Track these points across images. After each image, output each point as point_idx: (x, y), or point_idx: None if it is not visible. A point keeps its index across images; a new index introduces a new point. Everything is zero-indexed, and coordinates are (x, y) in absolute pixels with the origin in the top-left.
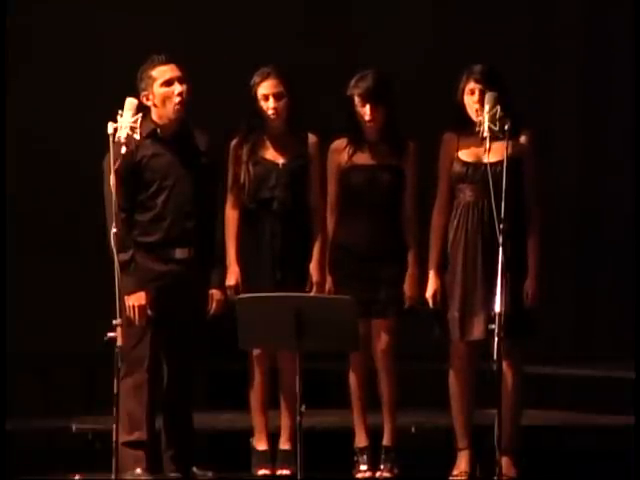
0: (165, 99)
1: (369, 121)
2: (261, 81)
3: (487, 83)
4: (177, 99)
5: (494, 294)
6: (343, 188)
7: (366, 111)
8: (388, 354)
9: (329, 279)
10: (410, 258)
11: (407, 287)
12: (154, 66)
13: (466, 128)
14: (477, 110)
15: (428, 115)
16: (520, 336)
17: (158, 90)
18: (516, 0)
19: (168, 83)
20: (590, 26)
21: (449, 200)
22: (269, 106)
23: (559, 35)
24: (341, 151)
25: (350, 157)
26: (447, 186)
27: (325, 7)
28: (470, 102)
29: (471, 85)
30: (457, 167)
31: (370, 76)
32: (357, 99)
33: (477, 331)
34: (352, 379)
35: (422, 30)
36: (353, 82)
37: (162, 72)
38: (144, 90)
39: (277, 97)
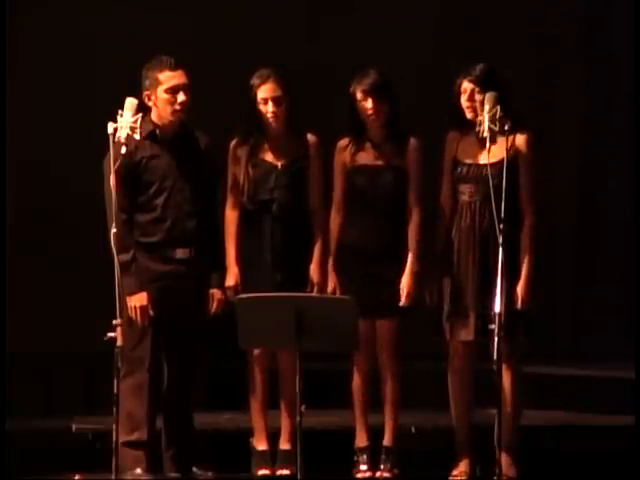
0: (167, 105)
1: (371, 115)
2: (260, 84)
3: (481, 83)
4: (178, 107)
5: (486, 295)
6: (347, 188)
7: (368, 106)
8: (392, 354)
9: (334, 279)
10: (410, 256)
11: (405, 284)
12: (161, 69)
13: (465, 128)
14: (467, 108)
15: (430, 116)
16: (515, 336)
17: (161, 94)
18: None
19: (173, 90)
20: (591, 25)
21: (452, 199)
22: (268, 110)
23: (560, 35)
24: (346, 149)
25: (353, 157)
26: (449, 186)
27: (326, 6)
28: (462, 101)
29: (464, 85)
30: (456, 168)
31: (372, 73)
32: (360, 95)
33: (467, 332)
34: (355, 379)
35: (424, 30)
36: (355, 79)
37: (169, 77)
38: (147, 90)
39: (276, 101)
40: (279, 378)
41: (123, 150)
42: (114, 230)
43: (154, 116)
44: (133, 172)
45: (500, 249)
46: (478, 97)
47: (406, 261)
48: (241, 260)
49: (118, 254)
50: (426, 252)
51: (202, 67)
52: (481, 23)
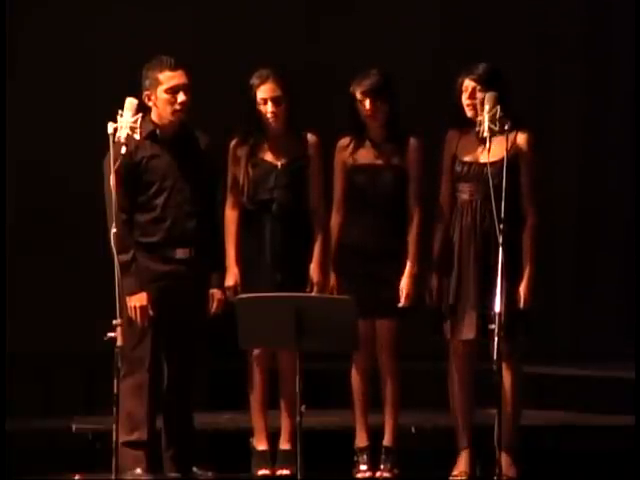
0: (167, 105)
1: (369, 116)
2: (260, 84)
3: (482, 82)
4: (178, 107)
5: (486, 294)
6: (347, 188)
7: (366, 105)
8: (392, 354)
9: (333, 278)
10: (409, 258)
11: (404, 286)
12: (162, 69)
13: (465, 127)
14: (468, 106)
15: (430, 116)
16: (515, 336)
17: (161, 95)
18: (517, 0)
19: (173, 90)
20: (591, 25)
21: (451, 199)
22: (268, 110)
23: (560, 35)
24: (346, 149)
25: (353, 156)
26: (449, 185)
27: (326, 6)
28: (463, 99)
29: (466, 83)
30: (456, 166)
31: (372, 74)
32: (359, 95)
33: (467, 331)
34: (354, 379)
35: (424, 30)
36: (356, 80)
37: (169, 78)
38: (147, 90)
39: (275, 102)
40: (279, 378)
41: (123, 150)
42: (114, 230)
43: (154, 116)
44: (133, 172)
45: (500, 249)
46: (479, 95)
47: (406, 261)
48: (241, 260)
49: (118, 254)
50: (425, 252)
51: (202, 67)
52: (481, 23)
